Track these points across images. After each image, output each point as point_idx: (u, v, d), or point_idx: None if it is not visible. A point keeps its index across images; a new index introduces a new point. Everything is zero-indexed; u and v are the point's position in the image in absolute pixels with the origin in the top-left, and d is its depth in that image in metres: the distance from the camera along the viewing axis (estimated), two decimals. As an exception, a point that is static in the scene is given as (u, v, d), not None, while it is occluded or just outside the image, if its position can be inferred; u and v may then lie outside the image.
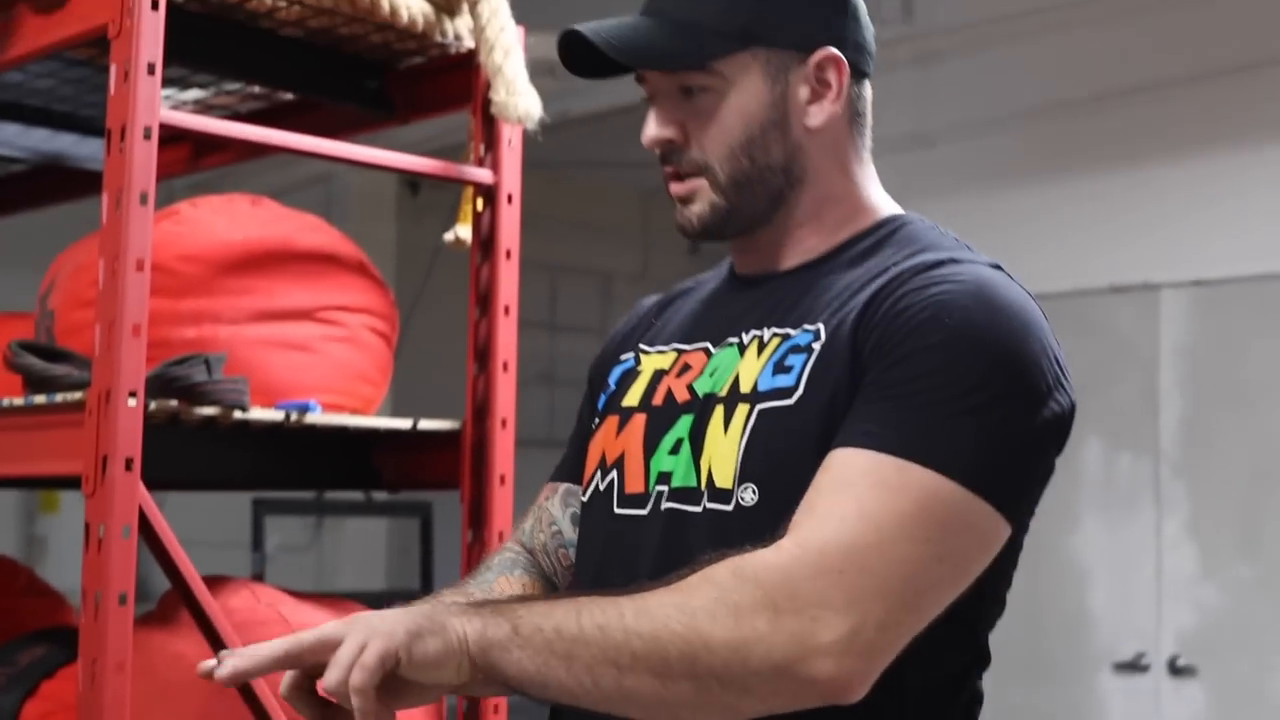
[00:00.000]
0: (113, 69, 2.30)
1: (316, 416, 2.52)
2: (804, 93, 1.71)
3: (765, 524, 1.54)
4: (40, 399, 2.38)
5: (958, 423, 1.51)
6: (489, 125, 2.71)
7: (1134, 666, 5.63)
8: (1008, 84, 6.07)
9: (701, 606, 1.45)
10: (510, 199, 2.72)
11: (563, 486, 1.93)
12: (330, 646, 1.45)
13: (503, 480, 2.67)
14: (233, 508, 6.95)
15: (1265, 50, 5.51)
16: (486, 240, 2.72)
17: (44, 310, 2.72)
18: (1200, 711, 5.51)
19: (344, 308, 2.70)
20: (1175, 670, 5.56)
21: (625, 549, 1.69)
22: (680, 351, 1.78)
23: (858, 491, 1.49)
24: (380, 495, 7.09)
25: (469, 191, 2.72)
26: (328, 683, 1.44)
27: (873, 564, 1.46)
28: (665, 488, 1.67)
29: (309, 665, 1.48)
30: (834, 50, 1.71)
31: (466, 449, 2.68)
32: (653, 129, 1.73)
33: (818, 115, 1.71)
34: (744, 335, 1.70)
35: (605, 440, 1.78)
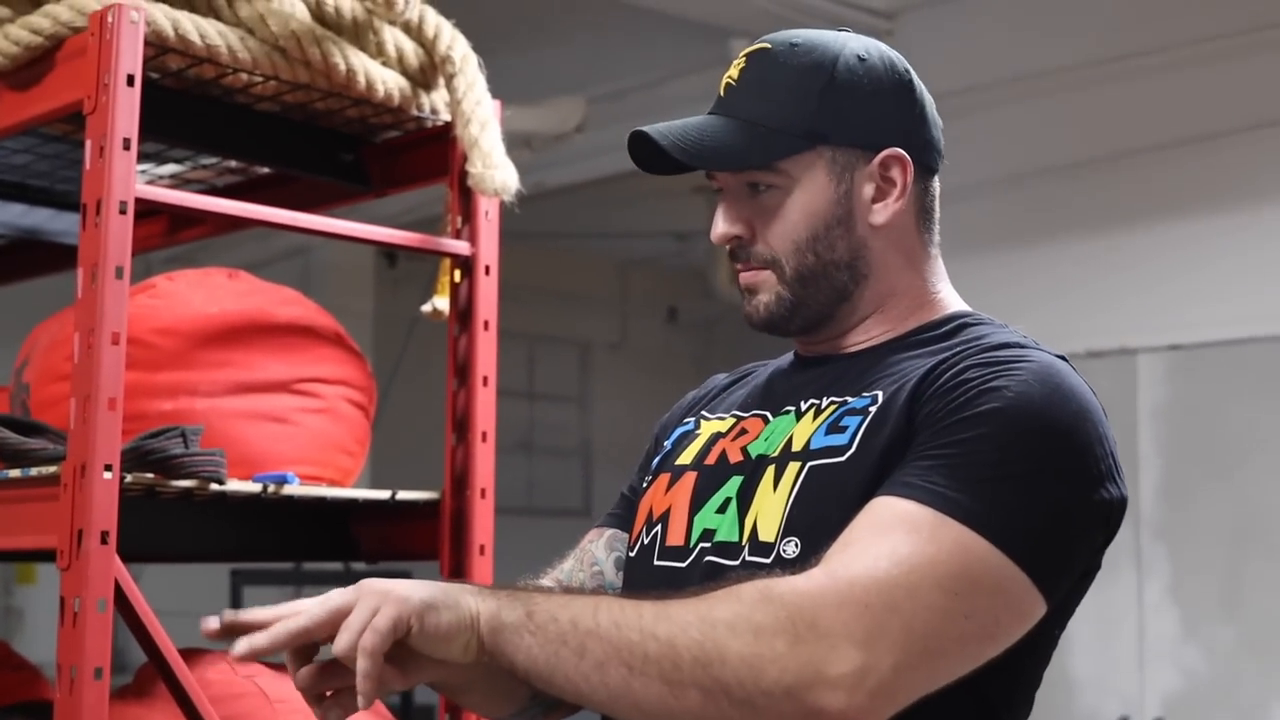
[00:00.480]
0: (88, 144, 2.31)
1: (294, 488, 2.51)
2: (869, 190, 1.73)
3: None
4: (15, 473, 2.37)
5: (1001, 489, 1.52)
6: (466, 197, 2.71)
7: (1118, 730, 5.63)
8: (986, 151, 6.11)
9: (723, 619, 1.46)
10: (488, 270, 2.72)
11: (609, 531, 1.93)
12: (343, 615, 1.47)
13: (482, 550, 2.66)
14: (210, 578, 6.92)
15: (1236, 120, 5.56)
16: (464, 311, 2.72)
17: (19, 384, 2.72)
18: (1184, 776, 5.50)
19: (321, 379, 2.70)
20: (1159, 733, 5.55)
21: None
22: (739, 418, 1.80)
23: (894, 535, 1.49)
24: (359, 565, 7.10)
25: (446, 263, 2.73)
26: (338, 647, 1.46)
27: (900, 603, 1.46)
28: (708, 544, 1.68)
29: (324, 638, 1.49)
30: (899, 149, 1.73)
31: (445, 519, 2.67)
32: (721, 226, 1.76)
33: (882, 213, 1.73)
34: (802, 404, 1.72)
35: (654, 496, 1.80)
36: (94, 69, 2.30)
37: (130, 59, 2.30)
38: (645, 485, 1.85)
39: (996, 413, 1.55)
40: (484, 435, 2.68)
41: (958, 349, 1.64)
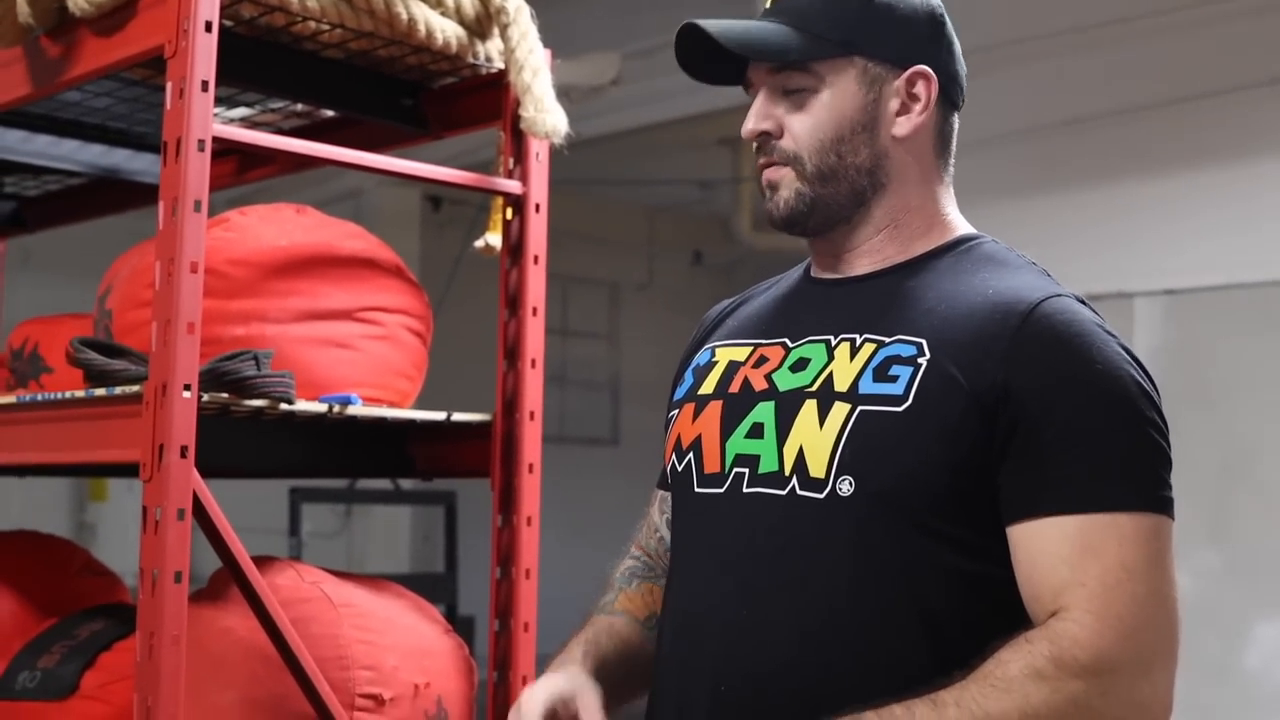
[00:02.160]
0: (169, 86, 2.30)
1: (357, 409, 2.52)
2: (894, 104, 1.74)
3: (856, 513, 1.59)
4: (100, 392, 2.38)
5: (1138, 465, 1.58)
6: (518, 140, 2.70)
7: (1108, 647, 5.62)
8: (992, 108, 6.07)
9: (1043, 705, 1.49)
10: (538, 208, 2.72)
11: (660, 494, 1.95)
12: None
13: (531, 469, 2.66)
14: (271, 496, 6.96)
15: (1228, 79, 5.52)
16: (515, 247, 2.71)
17: (102, 310, 2.72)
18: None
19: (382, 308, 2.70)
20: (1147, 651, 5.55)
21: (712, 528, 1.71)
22: (756, 345, 1.79)
23: (1109, 553, 1.53)
24: (407, 485, 7.15)
25: (498, 201, 2.72)
26: None
27: (1155, 616, 1.54)
28: (746, 470, 1.68)
29: None
30: (926, 68, 1.74)
31: (497, 440, 2.67)
32: (752, 121, 1.76)
33: (905, 125, 1.74)
34: (831, 337, 1.71)
35: (682, 426, 1.80)
36: (174, 15, 2.29)
37: (208, 6, 2.29)
38: (673, 417, 1.84)
39: (1097, 400, 1.58)
40: (533, 362, 2.68)
41: (1013, 322, 1.62)
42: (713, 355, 1.84)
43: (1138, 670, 1.52)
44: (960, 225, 1.80)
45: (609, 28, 6.83)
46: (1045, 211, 6.01)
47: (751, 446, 1.69)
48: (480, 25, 2.67)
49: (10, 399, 2.63)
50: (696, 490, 1.74)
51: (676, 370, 1.92)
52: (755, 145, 1.78)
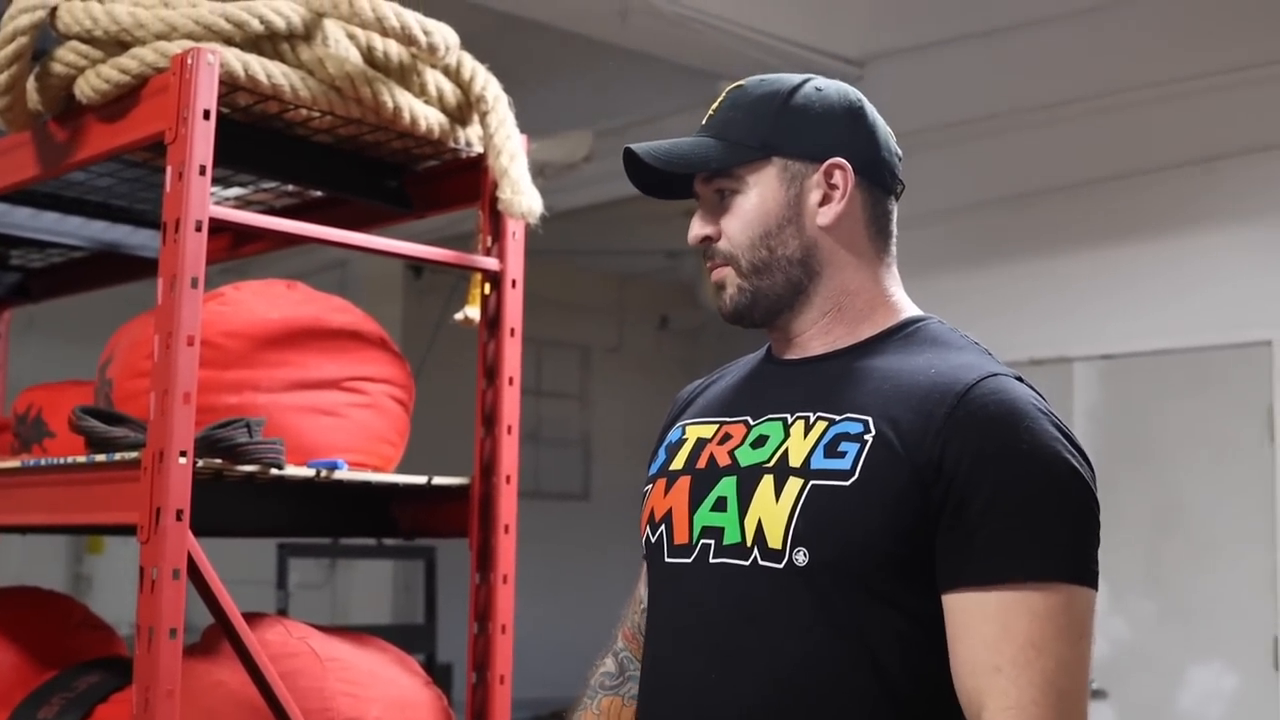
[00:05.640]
0: (169, 170, 2.31)
1: (343, 473, 2.52)
2: (816, 195, 1.75)
3: (813, 581, 1.60)
4: (101, 457, 2.38)
5: (1058, 535, 1.57)
6: (496, 219, 2.72)
7: (1051, 692, 5.62)
8: (939, 185, 6.13)
9: None
10: (514, 284, 2.73)
11: (644, 569, 1.95)
12: None
13: (507, 529, 2.66)
14: (261, 550, 6.91)
15: (1158, 158, 5.60)
16: (493, 320, 2.72)
17: (103, 379, 2.72)
18: (1110, 731, 5.51)
19: (367, 378, 2.70)
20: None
21: (682, 595, 1.73)
22: (722, 423, 1.80)
23: (1019, 631, 1.54)
24: (389, 540, 7.12)
25: (477, 277, 2.73)
26: None
27: (1063, 695, 1.53)
28: (712, 541, 1.70)
29: None
30: (841, 159, 1.75)
31: (475, 502, 2.67)
32: (694, 228, 1.79)
33: (828, 215, 1.75)
34: (788, 415, 1.72)
35: (655, 500, 1.81)
36: (175, 104, 2.31)
37: (207, 96, 2.31)
38: (646, 491, 1.85)
39: (1021, 475, 1.57)
40: (509, 429, 2.69)
41: (949, 400, 1.63)
42: (683, 433, 1.85)
43: None
44: (906, 307, 1.81)
45: (582, 108, 6.87)
46: (990, 283, 6.06)
47: (717, 519, 1.70)
48: (461, 112, 2.69)
49: (15, 463, 2.63)
50: (667, 560, 1.76)
51: (653, 447, 1.93)
52: (702, 251, 1.80)
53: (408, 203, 2.87)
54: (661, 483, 1.81)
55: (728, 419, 1.80)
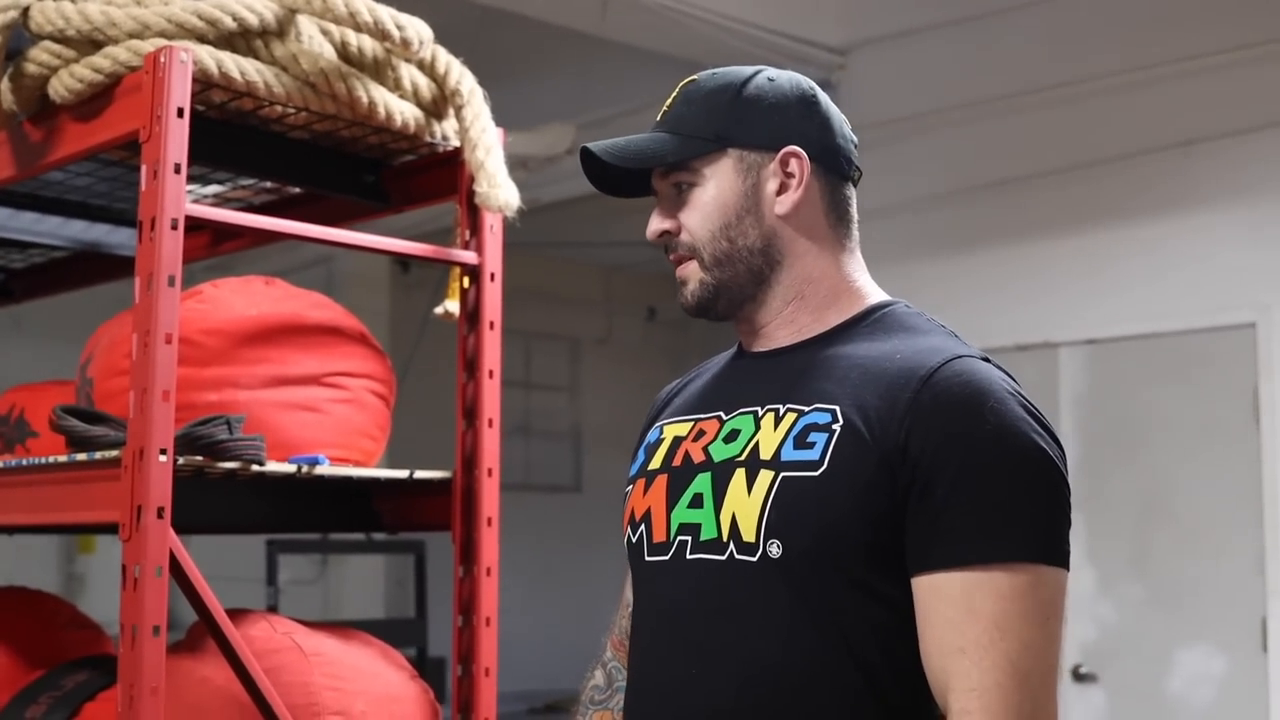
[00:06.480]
0: (143, 169, 2.31)
1: (324, 469, 2.52)
2: (773, 184, 1.75)
3: (787, 573, 1.61)
4: (82, 456, 2.38)
5: (1023, 515, 1.56)
6: (473, 213, 2.72)
7: (1041, 676, 5.64)
8: (923, 172, 6.14)
9: None
10: (493, 277, 2.73)
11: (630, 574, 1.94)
12: None
13: (489, 522, 2.67)
14: (250, 546, 6.92)
15: (1140, 142, 5.61)
16: (473, 313, 2.72)
17: (84, 378, 2.72)
18: (1102, 712, 5.53)
19: (347, 374, 2.71)
20: (1079, 677, 5.58)
21: (662, 593, 1.74)
22: (696, 420, 1.80)
23: (984, 613, 1.54)
24: (379, 535, 7.12)
25: (456, 271, 2.73)
26: None
27: (1028, 675, 1.53)
28: (689, 538, 1.70)
29: None
30: (797, 147, 1.75)
31: (457, 495, 2.68)
32: (653, 223, 1.79)
33: (786, 203, 1.75)
34: (759, 408, 1.72)
35: (635, 500, 1.81)
36: (148, 103, 2.31)
37: (180, 94, 2.30)
38: (627, 492, 1.86)
39: (985, 457, 1.57)
40: (490, 422, 2.69)
41: (913, 382, 1.63)
42: (661, 432, 1.85)
43: None
44: (871, 292, 1.81)
45: (564, 100, 6.87)
46: (974, 268, 6.07)
47: (693, 516, 1.71)
48: (436, 107, 2.69)
49: (-3, 464, 2.63)
50: (647, 559, 1.76)
51: (634, 454, 1.94)
52: (664, 246, 1.80)
53: (385, 198, 2.87)
54: (641, 483, 1.82)
55: (702, 415, 1.80)
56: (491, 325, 2.72)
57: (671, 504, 1.74)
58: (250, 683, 2.35)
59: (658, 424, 1.89)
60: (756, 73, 1.79)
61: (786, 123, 1.76)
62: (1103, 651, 5.56)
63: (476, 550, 2.66)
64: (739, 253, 1.75)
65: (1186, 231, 5.53)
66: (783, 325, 1.78)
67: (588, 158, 1.78)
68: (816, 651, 1.61)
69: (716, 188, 1.75)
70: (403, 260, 8.71)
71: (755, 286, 1.77)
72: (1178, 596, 5.42)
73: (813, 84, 1.82)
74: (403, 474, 2.64)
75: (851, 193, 1.82)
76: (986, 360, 1.68)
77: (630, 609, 1.90)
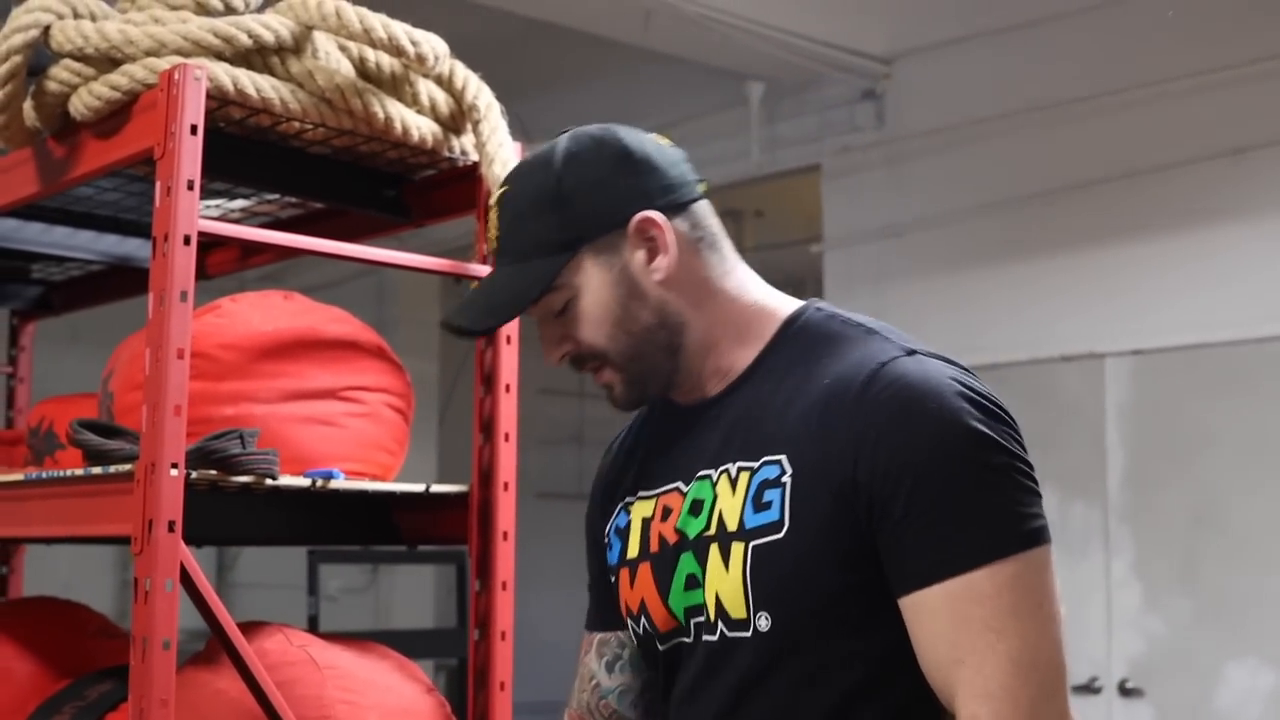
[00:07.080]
0: (157, 185, 2.33)
1: (339, 483, 2.53)
2: (640, 256, 1.69)
3: (781, 644, 1.59)
4: (96, 470, 2.40)
5: (992, 509, 1.53)
6: (490, 227, 2.72)
7: (1088, 689, 5.61)
8: (969, 181, 6.10)
9: None
10: (509, 291, 2.73)
11: (596, 638, 1.92)
12: None
13: (505, 536, 2.67)
14: (297, 555, 6.96)
15: (1188, 151, 5.56)
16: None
17: (105, 392, 2.75)
18: (1144, 730, 5.47)
19: (364, 388, 2.72)
20: (1125, 692, 5.54)
21: (681, 677, 1.72)
22: (658, 497, 1.77)
23: (974, 620, 1.51)
24: (423, 546, 7.14)
25: (474, 285, 2.73)
26: None
27: (1031, 671, 1.51)
28: (693, 621, 1.69)
29: None
30: (644, 212, 1.69)
31: (474, 509, 2.68)
32: (550, 353, 1.75)
33: (661, 268, 1.70)
34: (712, 471, 1.69)
35: (625, 593, 1.79)
36: (162, 120, 2.32)
37: (194, 111, 2.32)
38: (614, 582, 1.83)
39: (929, 467, 1.53)
40: (507, 436, 2.69)
41: (841, 405, 1.59)
42: (628, 515, 1.81)
43: None
44: (778, 304, 1.75)
45: (607, 111, 6.86)
46: (1020, 278, 6.03)
47: (694, 597, 1.68)
48: (454, 121, 2.69)
49: (18, 476, 2.66)
50: (660, 648, 1.76)
51: (589, 518, 1.91)
52: (571, 365, 1.76)
53: (407, 212, 2.88)
54: (625, 573, 1.79)
55: (662, 489, 1.76)
56: (509, 340, 2.72)
57: (664, 592, 1.72)
58: (262, 695, 2.36)
59: (621, 504, 1.84)
60: (558, 159, 1.70)
61: (619, 193, 1.69)
62: (1150, 666, 5.50)
63: (492, 564, 2.66)
64: (642, 340, 1.70)
65: (1235, 241, 5.47)
66: (709, 376, 1.74)
67: (453, 327, 1.75)
68: (829, 709, 1.59)
69: (591, 292, 1.69)
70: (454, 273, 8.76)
71: (672, 358, 1.72)
72: (1226, 611, 5.36)
73: (608, 131, 1.74)
74: (419, 488, 2.65)
75: (705, 207, 1.76)
76: (912, 352, 1.62)
77: (595, 683, 1.88)
